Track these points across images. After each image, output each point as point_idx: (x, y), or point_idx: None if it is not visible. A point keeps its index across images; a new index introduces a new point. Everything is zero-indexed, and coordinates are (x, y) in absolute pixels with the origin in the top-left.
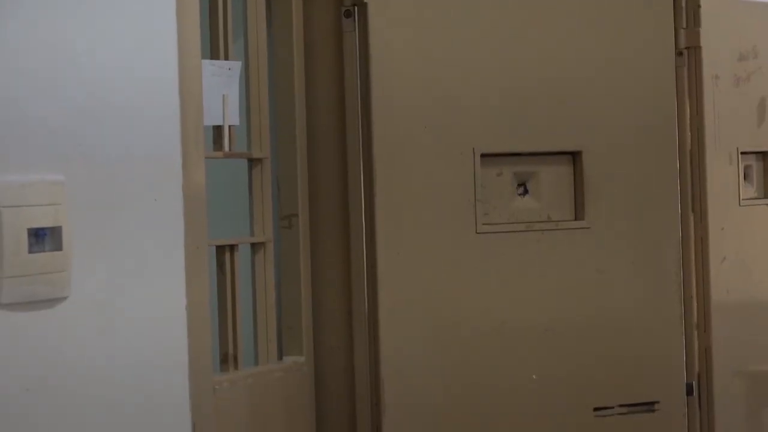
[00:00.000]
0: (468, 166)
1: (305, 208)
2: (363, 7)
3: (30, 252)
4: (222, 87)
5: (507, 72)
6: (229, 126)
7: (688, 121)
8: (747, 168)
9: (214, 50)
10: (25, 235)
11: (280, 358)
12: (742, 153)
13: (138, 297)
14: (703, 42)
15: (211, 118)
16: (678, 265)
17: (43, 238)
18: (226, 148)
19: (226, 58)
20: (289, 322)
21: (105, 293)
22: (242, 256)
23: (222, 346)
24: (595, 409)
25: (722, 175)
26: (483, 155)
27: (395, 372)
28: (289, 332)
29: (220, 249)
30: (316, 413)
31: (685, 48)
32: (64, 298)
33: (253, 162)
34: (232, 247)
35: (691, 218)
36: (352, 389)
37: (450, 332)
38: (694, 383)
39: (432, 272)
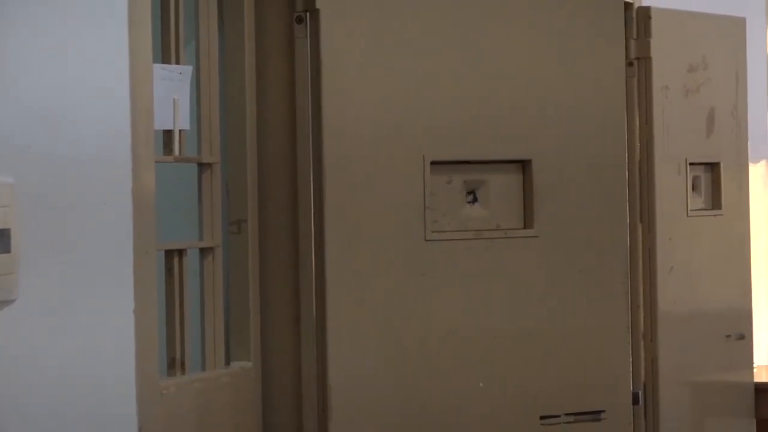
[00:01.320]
0: (418, 173)
1: (254, 213)
2: (315, 14)
3: None
4: (173, 91)
5: (458, 80)
6: (180, 130)
7: (637, 132)
8: (695, 179)
9: (165, 54)
10: None
11: (227, 363)
12: (690, 164)
13: (86, 300)
14: (654, 53)
15: (162, 122)
16: (625, 275)
17: None
18: (176, 152)
19: (178, 62)
20: (237, 328)
21: (53, 296)
22: (191, 260)
23: (169, 351)
24: (542, 418)
25: (670, 185)
26: (433, 163)
27: (343, 379)
28: (237, 337)
29: (168, 253)
30: (263, 419)
31: (636, 59)
32: (12, 301)
33: (203, 166)
34: (180, 252)
35: (639, 228)
36: (299, 395)
37: (398, 339)
38: (641, 393)
39: (381, 279)
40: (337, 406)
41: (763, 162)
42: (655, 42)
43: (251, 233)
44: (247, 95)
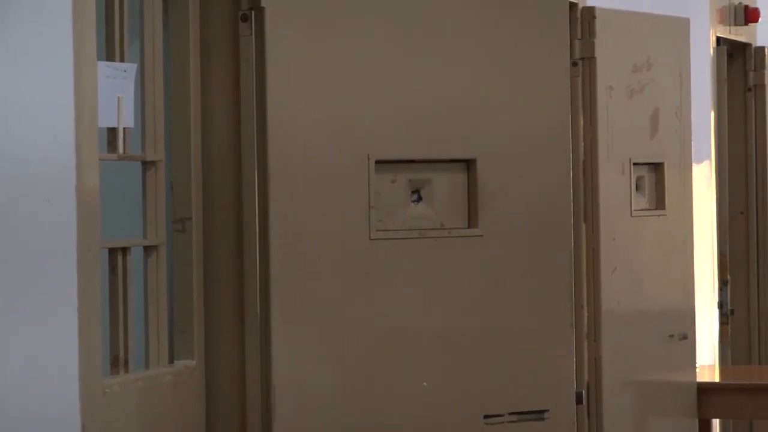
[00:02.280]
0: (363, 172)
1: (199, 211)
2: (260, 12)
3: None
4: (117, 89)
5: (403, 80)
6: (124, 128)
7: (581, 132)
8: (639, 179)
9: (109, 52)
10: None
11: (171, 361)
12: (634, 164)
13: (29, 298)
14: (598, 53)
15: (106, 120)
16: (569, 275)
17: None
18: (121, 150)
19: (122, 60)
20: (181, 326)
21: None
22: (135, 258)
23: (113, 349)
24: (485, 417)
25: (614, 185)
26: (378, 162)
27: (287, 378)
28: (181, 336)
29: (112, 251)
30: (207, 418)
31: (580, 59)
32: None
33: (147, 164)
34: (124, 250)
35: (583, 228)
36: (243, 394)
37: (342, 338)
38: (584, 392)
39: (325, 278)
40: (280, 406)
41: (706, 162)
42: (599, 42)
43: (195, 232)
44: (192, 93)
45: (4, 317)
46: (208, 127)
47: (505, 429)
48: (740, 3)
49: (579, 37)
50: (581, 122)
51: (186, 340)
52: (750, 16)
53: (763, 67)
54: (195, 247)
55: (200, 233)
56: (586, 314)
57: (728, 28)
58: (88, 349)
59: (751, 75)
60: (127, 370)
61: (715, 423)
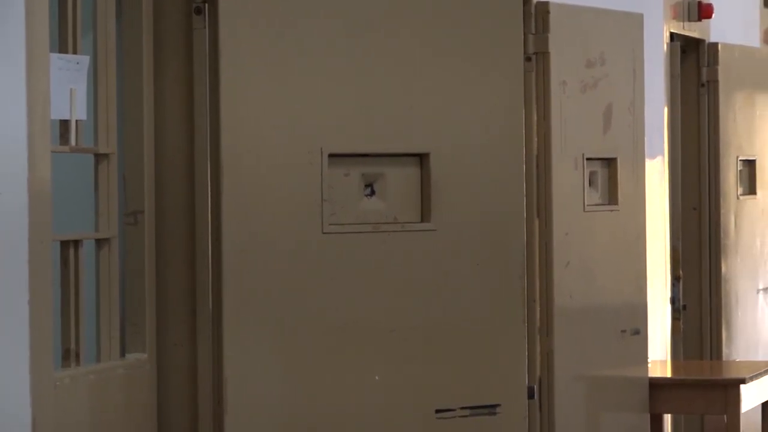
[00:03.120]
0: (316, 166)
1: (151, 204)
2: (213, 5)
3: None
4: (70, 81)
5: (357, 73)
6: (76, 120)
7: (535, 126)
8: (592, 174)
9: (62, 44)
10: None
11: (122, 355)
12: (587, 159)
13: None
14: (552, 48)
15: (58, 112)
16: (522, 269)
17: None
18: (73, 142)
19: (75, 52)
20: (133, 319)
21: None
22: (87, 251)
23: (64, 342)
24: (437, 411)
25: (567, 180)
26: (331, 155)
27: (238, 371)
28: (133, 329)
29: (64, 244)
30: (158, 411)
31: (534, 54)
32: None
33: (99, 157)
34: (76, 243)
35: (536, 223)
36: (194, 387)
37: (294, 332)
38: (536, 387)
39: (278, 271)
40: (232, 398)
41: (659, 158)
42: (553, 37)
43: (148, 225)
44: (145, 86)
45: None
46: (161, 120)
47: (456, 423)
48: None
49: (533, 32)
50: (535, 117)
51: (138, 334)
52: (703, 12)
53: (716, 62)
54: (147, 240)
55: (152, 226)
56: (538, 309)
57: (682, 23)
58: (39, 342)
59: (705, 71)
60: (78, 363)
61: (667, 418)
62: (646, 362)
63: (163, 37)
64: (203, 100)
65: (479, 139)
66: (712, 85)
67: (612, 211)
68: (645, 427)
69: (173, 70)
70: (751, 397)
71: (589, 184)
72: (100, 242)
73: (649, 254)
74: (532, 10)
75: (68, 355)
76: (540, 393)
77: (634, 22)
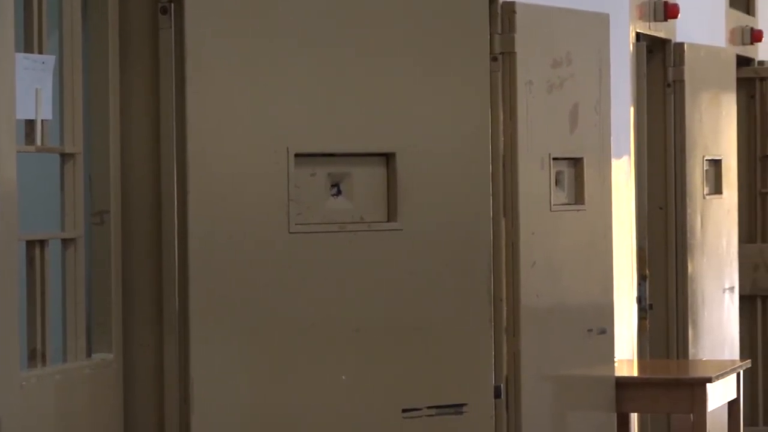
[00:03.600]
0: (282, 165)
1: (117, 204)
2: (179, 4)
3: None
4: (35, 81)
5: (323, 73)
6: (42, 120)
7: (501, 126)
8: (558, 174)
9: (27, 43)
10: None
11: (89, 355)
12: (554, 159)
13: None
14: (518, 48)
15: (24, 112)
16: (489, 269)
17: None
18: (39, 142)
19: (40, 51)
20: (99, 319)
21: None
22: (53, 251)
23: (30, 342)
24: (404, 411)
25: (534, 180)
26: (297, 155)
27: (205, 371)
28: (99, 329)
29: (30, 244)
30: (125, 411)
31: (500, 53)
32: None
33: (65, 157)
34: (42, 243)
35: (503, 222)
36: (161, 387)
37: (261, 332)
38: (502, 386)
39: (244, 271)
40: (198, 398)
41: (625, 157)
42: (519, 37)
43: (114, 225)
44: (111, 86)
45: None
46: (127, 120)
47: (423, 423)
48: None
49: (499, 31)
50: (501, 117)
51: (104, 334)
52: (669, 12)
53: (682, 62)
54: (113, 240)
55: (118, 226)
56: (505, 308)
57: (648, 23)
58: (5, 342)
59: (671, 70)
60: (44, 363)
61: (633, 417)
62: (613, 361)
63: (129, 37)
64: (169, 100)
65: (446, 138)
66: (678, 85)
67: (578, 210)
68: (611, 427)
69: (139, 69)
70: (717, 396)
71: (556, 184)
72: (66, 242)
73: (615, 254)
74: (498, 10)
75: (34, 355)
76: (507, 392)
77: (600, 22)
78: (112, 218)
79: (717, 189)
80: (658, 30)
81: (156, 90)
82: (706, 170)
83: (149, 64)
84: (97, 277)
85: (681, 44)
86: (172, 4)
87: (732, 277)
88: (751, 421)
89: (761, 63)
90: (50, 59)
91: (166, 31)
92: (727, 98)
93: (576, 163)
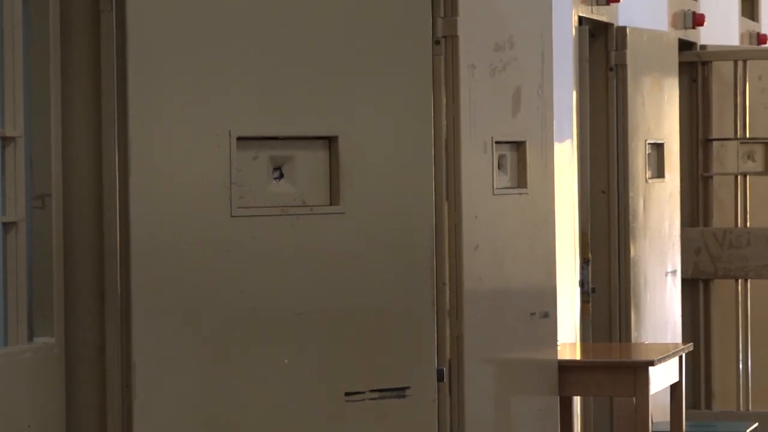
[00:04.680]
0: (224, 149)
1: (59, 188)
2: None
3: None
4: None
5: (265, 56)
6: None
7: (444, 110)
8: (501, 157)
9: None
10: None
11: (30, 339)
12: (496, 142)
13: None
14: (461, 31)
15: None
16: (431, 252)
17: None
18: None
19: None
20: (41, 303)
21: None
22: None
23: None
24: (347, 394)
25: (477, 163)
26: (239, 138)
27: (147, 355)
28: (41, 313)
29: None
30: (66, 395)
31: (443, 37)
32: None
33: (5, 140)
34: None
35: (445, 206)
36: (103, 372)
37: (203, 316)
38: (445, 369)
39: (186, 255)
40: (140, 383)
41: (568, 141)
42: (462, 20)
43: (55, 208)
44: (52, 68)
45: None
46: (69, 103)
47: (365, 406)
48: None
49: (441, 15)
50: (444, 101)
51: (45, 318)
52: None
53: (624, 46)
54: (54, 223)
55: (60, 210)
56: (448, 292)
57: (590, 7)
58: None
59: (613, 54)
60: None
61: (576, 400)
62: (556, 345)
63: (70, 20)
64: (111, 83)
65: (388, 122)
66: (621, 68)
67: (521, 194)
68: (554, 410)
69: (81, 52)
70: (659, 379)
71: (498, 168)
72: (7, 226)
73: (558, 237)
74: None
75: None
76: (450, 376)
77: (542, 6)
78: (53, 202)
79: (659, 173)
80: (601, 14)
81: (97, 73)
82: (649, 154)
83: (90, 47)
84: (39, 261)
85: (623, 28)
86: None
87: (674, 260)
88: (693, 404)
89: (703, 47)
90: None
91: (107, 14)
92: (669, 82)
93: (519, 146)
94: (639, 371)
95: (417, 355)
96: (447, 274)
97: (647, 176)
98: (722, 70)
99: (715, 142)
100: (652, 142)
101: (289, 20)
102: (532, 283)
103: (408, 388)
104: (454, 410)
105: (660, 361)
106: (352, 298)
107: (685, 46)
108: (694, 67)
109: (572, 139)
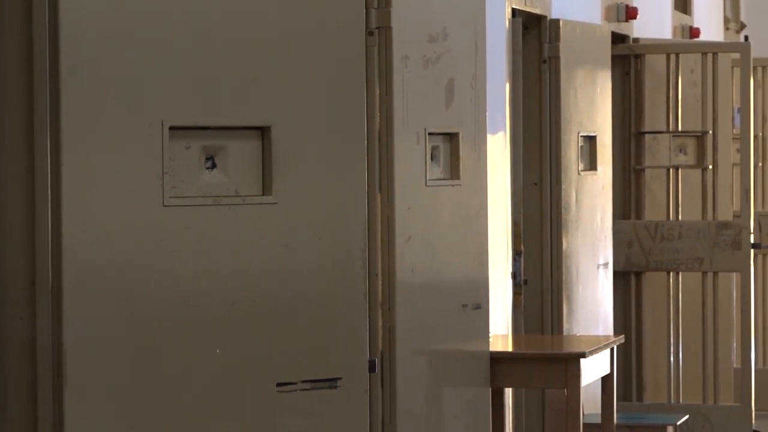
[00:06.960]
0: (156, 138)
1: None
2: None
3: None
4: None
5: (198, 44)
6: None
7: (377, 101)
8: (434, 149)
9: None
10: None
11: None
12: (429, 134)
13: None
14: (394, 22)
15: None
16: (364, 243)
17: None
18: None
19: None
20: None
21: None
22: None
23: None
24: (278, 385)
25: (410, 155)
26: (171, 128)
27: (78, 344)
28: None
29: None
30: None
31: (376, 28)
32: None
33: None
34: None
35: (378, 197)
36: (33, 360)
37: (135, 305)
38: (377, 360)
39: (118, 245)
40: (72, 372)
41: (501, 133)
42: (395, 11)
43: None
44: None
45: None
46: (1, 86)
47: (297, 397)
48: None
49: (375, 6)
50: (377, 91)
51: None
52: None
53: (557, 39)
54: None
55: None
56: (380, 283)
57: (524, 0)
58: None
59: (546, 47)
60: None
61: (508, 392)
62: (488, 336)
63: (3, 10)
64: (43, 67)
65: (321, 112)
66: (554, 61)
67: (454, 185)
68: (486, 401)
69: (12, 34)
70: (591, 371)
71: (431, 159)
72: None
73: (490, 229)
74: None
75: None
76: (381, 367)
77: None
78: None
79: (591, 165)
80: (534, 6)
81: (30, 57)
82: (581, 146)
83: (23, 31)
84: None
85: (556, 21)
86: None
87: (606, 253)
88: (624, 396)
89: (636, 40)
90: None
91: (40, 3)
92: (602, 75)
93: (452, 138)
94: (570, 363)
95: (349, 346)
96: (379, 266)
97: (580, 169)
98: (655, 64)
99: (647, 135)
100: (585, 134)
101: (221, 9)
102: (465, 275)
103: (340, 378)
104: (386, 401)
105: (591, 353)
106: (284, 289)
107: (618, 39)
108: (627, 60)
109: (505, 131)
